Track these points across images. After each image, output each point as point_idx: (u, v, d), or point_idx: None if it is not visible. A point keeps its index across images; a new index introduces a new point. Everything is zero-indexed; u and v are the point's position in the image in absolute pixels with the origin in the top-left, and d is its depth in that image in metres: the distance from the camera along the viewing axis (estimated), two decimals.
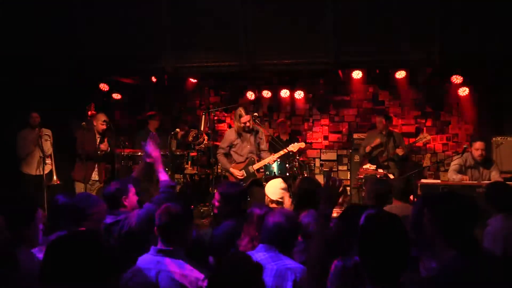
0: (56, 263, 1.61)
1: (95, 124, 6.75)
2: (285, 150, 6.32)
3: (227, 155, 6.43)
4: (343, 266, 2.20)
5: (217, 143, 7.71)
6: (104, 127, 6.72)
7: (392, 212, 2.14)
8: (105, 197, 3.50)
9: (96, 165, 6.69)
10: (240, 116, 6.15)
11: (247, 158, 6.30)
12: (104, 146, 6.78)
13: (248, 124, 6.15)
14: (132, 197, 3.58)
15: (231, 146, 6.34)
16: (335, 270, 2.21)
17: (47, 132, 6.80)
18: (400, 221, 1.94)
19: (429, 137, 7.11)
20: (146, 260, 2.66)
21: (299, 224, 3.04)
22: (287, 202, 4.45)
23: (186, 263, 2.64)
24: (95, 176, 6.70)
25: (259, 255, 2.73)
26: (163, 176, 3.75)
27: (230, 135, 6.39)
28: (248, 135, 6.30)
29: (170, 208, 2.76)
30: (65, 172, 6.81)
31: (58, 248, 1.65)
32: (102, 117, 6.72)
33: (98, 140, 6.76)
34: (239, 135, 6.28)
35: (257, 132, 6.37)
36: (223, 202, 3.55)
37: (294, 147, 6.45)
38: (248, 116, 6.15)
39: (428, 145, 8.59)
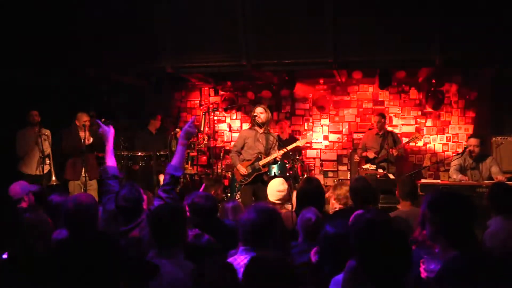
0: (68, 265, 1.60)
1: (78, 124, 6.68)
2: (293, 146, 6.48)
3: (239, 154, 6.44)
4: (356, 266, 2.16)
5: (217, 143, 7.73)
6: (89, 123, 6.63)
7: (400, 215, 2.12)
8: (124, 208, 3.20)
9: (83, 162, 6.57)
10: (254, 109, 6.28)
11: (255, 156, 6.32)
12: (87, 141, 6.70)
13: (258, 118, 6.16)
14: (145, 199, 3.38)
15: (243, 146, 6.34)
16: (349, 269, 2.16)
17: (45, 132, 6.78)
18: (400, 226, 1.91)
19: (420, 137, 7.11)
20: None
21: (276, 220, 2.68)
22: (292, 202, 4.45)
23: (184, 264, 2.62)
24: (83, 173, 6.60)
25: (241, 258, 2.56)
26: (110, 161, 3.48)
27: (243, 133, 6.50)
28: (262, 136, 6.30)
29: (157, 212, 2.73)
30: (63, 172, 6.78)
31: (70, 251, 1.64)
32: (83, 117, 6.65)
33: (83, 139, 6.63)
34: (252, 130, 6.30)
35: (270, 135, 6.39)
36: (192, 213, 3.38)
37: (301, 142, 6.68)
38: (260, 108, 6.21)
39: (428, 145, 8.58)
